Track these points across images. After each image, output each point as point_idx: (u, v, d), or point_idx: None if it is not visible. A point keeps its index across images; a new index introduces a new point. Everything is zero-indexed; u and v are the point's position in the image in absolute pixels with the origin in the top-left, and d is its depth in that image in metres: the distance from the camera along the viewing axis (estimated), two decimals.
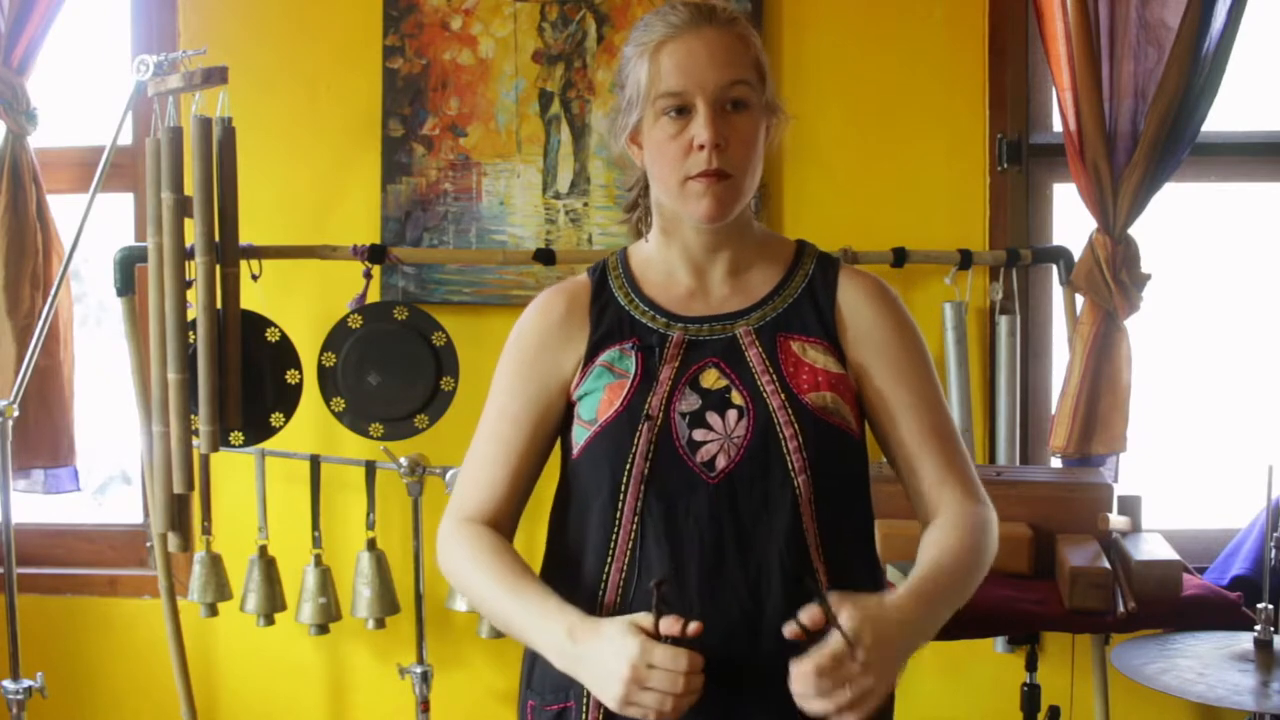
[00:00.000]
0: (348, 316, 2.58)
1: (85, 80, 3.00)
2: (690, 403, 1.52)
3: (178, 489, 2.44)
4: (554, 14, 2.78)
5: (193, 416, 2.43)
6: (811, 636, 1.37)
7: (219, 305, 2.45)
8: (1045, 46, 2.62)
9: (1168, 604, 2.12)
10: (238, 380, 2.47)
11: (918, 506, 1.59)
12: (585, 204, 2.78)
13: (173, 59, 2.40)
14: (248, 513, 2.76)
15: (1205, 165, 2.77)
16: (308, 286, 2.78)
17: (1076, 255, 2.67)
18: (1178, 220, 2.79)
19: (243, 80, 2.52)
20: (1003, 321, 2.72)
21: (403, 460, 2.60)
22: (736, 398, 1.52)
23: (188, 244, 2.42)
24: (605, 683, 1.39)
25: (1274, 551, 2.29)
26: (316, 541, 2.71)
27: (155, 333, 2.42)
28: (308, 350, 2.58)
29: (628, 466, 1.50)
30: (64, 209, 2.80)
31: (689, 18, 1.52)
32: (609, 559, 1.51)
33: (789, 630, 1.37)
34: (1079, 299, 2.68)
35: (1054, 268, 2.75)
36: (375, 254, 2.60)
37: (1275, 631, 2.01)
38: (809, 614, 1.36)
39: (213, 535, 2.76)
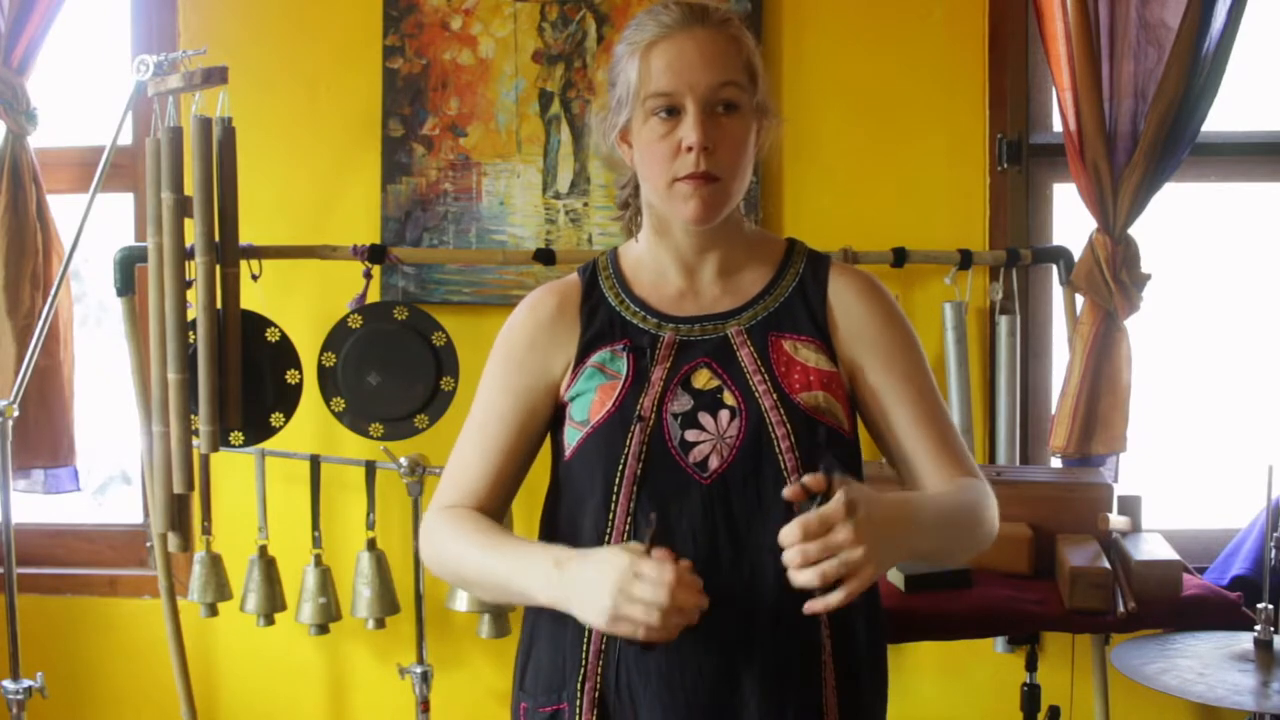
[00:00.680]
0: (348, 316, 2.58)
1: (85, 80, 3.00)
2: (682, 403, 1.52)
3: (178, 489, 2.44)
4: (554, 14, 2.78)
5: (193, 416, 2.43)
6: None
7: (219, 305, 2.45)
8: (1045, 46, 2.62)
9: (1168, 604, 2.12)
10: (238, 380, 2.47)
11: None
12: (585, 204, 2.78)
13: (173, 59, 2.40)
14: (248, 513, 2.76)
15: (1205, 165, 2.77)
16: (308, 286, 2.78)
17: (1076, 255, 2.67)
18: (1178, 220, 2.79)
19: (243, 80, 2.52)
20: (1003, 321, 2.72)
21: (403, 460, 2.60)
22: (728, 398, 1.52)
23: (188, 244, 2.42)
24: (593, 598, 1.36)
25: (1274, 551, 2.29)
26: (316, 541, 2.71)
27: (155, 333, 2.42)
28: (308, 350, 2.58)
29: (620, 468, 1.50)
30: (64, 209, 2.80)
31: (681, 17, 1.51)
32: None
33: (789, 491, 1.35)
34: (1079, 299, 2.68)
35: (1054, 268, 2.75)
36: (375, 254, 2.60)
37: (1275, 631, 2.01)
38: (812, 477, 1.34)
39: (213, 535, 2.77)
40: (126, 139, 2.76)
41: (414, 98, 2.79)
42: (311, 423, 2.72)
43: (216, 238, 2.43)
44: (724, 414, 1.51)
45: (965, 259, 2.68)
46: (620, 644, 1.48)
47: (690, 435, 1.50)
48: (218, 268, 2.44)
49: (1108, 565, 2.11)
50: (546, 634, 1.56)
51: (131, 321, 2.63)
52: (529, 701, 1.57)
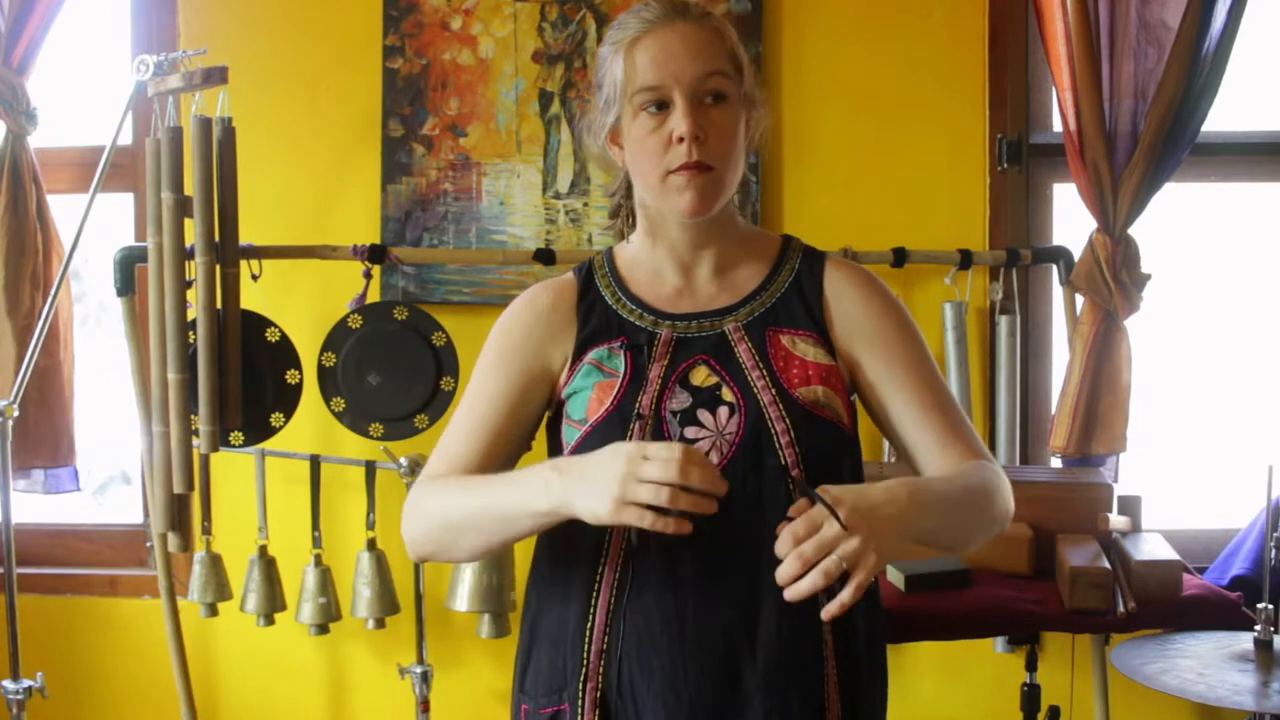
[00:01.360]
0: (348, 316, 2.58)
1: (85, 80, 3.00)
2: (681, 401, 1.52)
3: (178, 489, 2.44)
4: (554, 14, 2.78)
5: (193, 416, 2.43)
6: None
7: (219, 305, 2.45)
8: (1045, 46, 2.62)
9: (1168, 604, 2.12)
10: (238, 380, 2.47)
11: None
12: (585, 204, 2.78)
13: (173, 59, 2.39)
14: (248, 513, 2.76)
15: (1205, 165, 2.77)
16: (308, 286, 2.78)
17: (1076, 255, 2.67)
18: (1178, 220, 2.79)
19: (243, 80, 2.52)
20: (1003, 321, 2.72)
21: (403, 460, 2.60)
22: (727, 394, 1.52)
23: (188, 244, 2.42)
24: (601, 489, 1.33)
25: (1274, 551, 2.29)
26: (316, 541, 2.71)
27: (155, 333, 2.42)
28: (308, 350, 2.58)
29: None
30: (64, 209, 2.80)
31: (663, 13, 1.52)
32: (602, 560, 1.50)
33: (781, 529, 1.33)
34: (1079, 299, 2.68)
35: (1054, 268, 2.75)
36: (375, 254, 2.60)
37: (1275, 631, 2.01)
38: (794, 508, 1.33)
39: (213, 535, 2.77)
40: (126, 139, 2.76)
41: (414, 98, 2.79)
42: (311, 423, 2.72)
43: (216, 238, 2.43)
44: (723, 410, 1.51)
45: (965, 259, 2.68)
46: (623, 643, 1.48)
47: (689, 433, 1.50)
48: (218, 268, 2.44)
49: (1108, 565, 2.11)
50: (547, 634, 1.55)
51: (131, 321, 2.63)
52: (530, 703, 1.56)
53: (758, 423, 1.50)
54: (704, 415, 1.51)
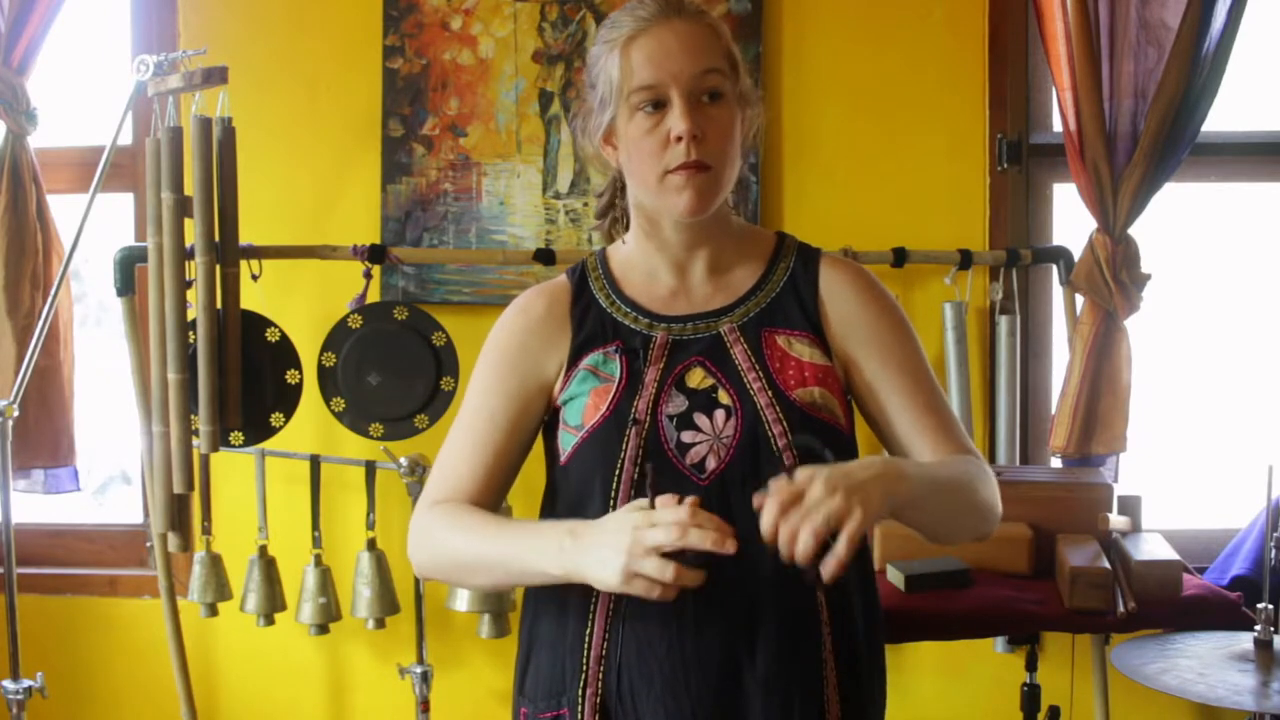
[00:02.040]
0: (348, 316, 2.58)
1: (85, 80, 3.00)
2: (677, 404, 1.51)
3: (178, 489, 2.44)
4: (554, 14, 2.78)
5: (193, 416, 2.43)
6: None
7: (219, 305, 2.45)
8: (1045, 46, 2.62)
9: (1168, 604, 2.12)
10: (238, 380, 2.47)
11: None
12: (585, 204, 2.78)
13: (173, 59, 2.39)
14: (248, 513, 2.76)
15: (1205, 165, 2.77)
16: (308, 286, 2.78)
17: (1076, 255, 2.67)
18: (1178, 220, 2.79)
19: (243, 80, 2.52)
20: (1003, 321, 2.72)
21: (403, 460, 2.60)
22: (723, 397, 1.51)
23: (188, 244, 2.42)
24: (608, 557, 1.34)
25: (1274, 551, 2.28)
26: (316, 541, 2.71)
27: (155, 333, 2.41)
28: (308, 350, 2.58)
29: (617, 472, 1.49)
30: (64, 209, 2.80)
31: (657, 11, 1.50)
32: None
33: (757, 498, 1.33)
34: (1079, 299, 2.68)
35: (1054, 268, 2.75)
36: (375, 254, 2.60)
37: (1275, 631, 2.01)
38: (774, 483, 1.33)
39: (213, 535, 2.76)
40: (126, 139, 2.76)
41: (414, 98, 2.79)
42: (311, 423, 2.72)
43: (216, 238, 2.43)
44: (719, 413, 1.51)
45: (965, 259, 2.68)
46: (622, 649, 1.47)
47: (686, 436, 1.50)
48: (218, 268, 2.44)
49: (1108, 565, 2.11)
50: (545, 639, 1.55)
51: (131, 321, 2.63)
52: (529, 707, 1.56)
53: (754, 425, 1.49)
54: (700, 419, 1.51)
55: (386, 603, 2.71)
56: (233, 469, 2.81)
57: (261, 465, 2.70)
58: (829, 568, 1.30)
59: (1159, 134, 2.56)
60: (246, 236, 2.49)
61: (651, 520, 1.33)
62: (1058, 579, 2.18)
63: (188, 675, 2.70)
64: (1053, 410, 2.72)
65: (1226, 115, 2.67)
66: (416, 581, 2.66)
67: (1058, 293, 2.78)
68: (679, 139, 1.47)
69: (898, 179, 2.78)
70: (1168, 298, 2.77)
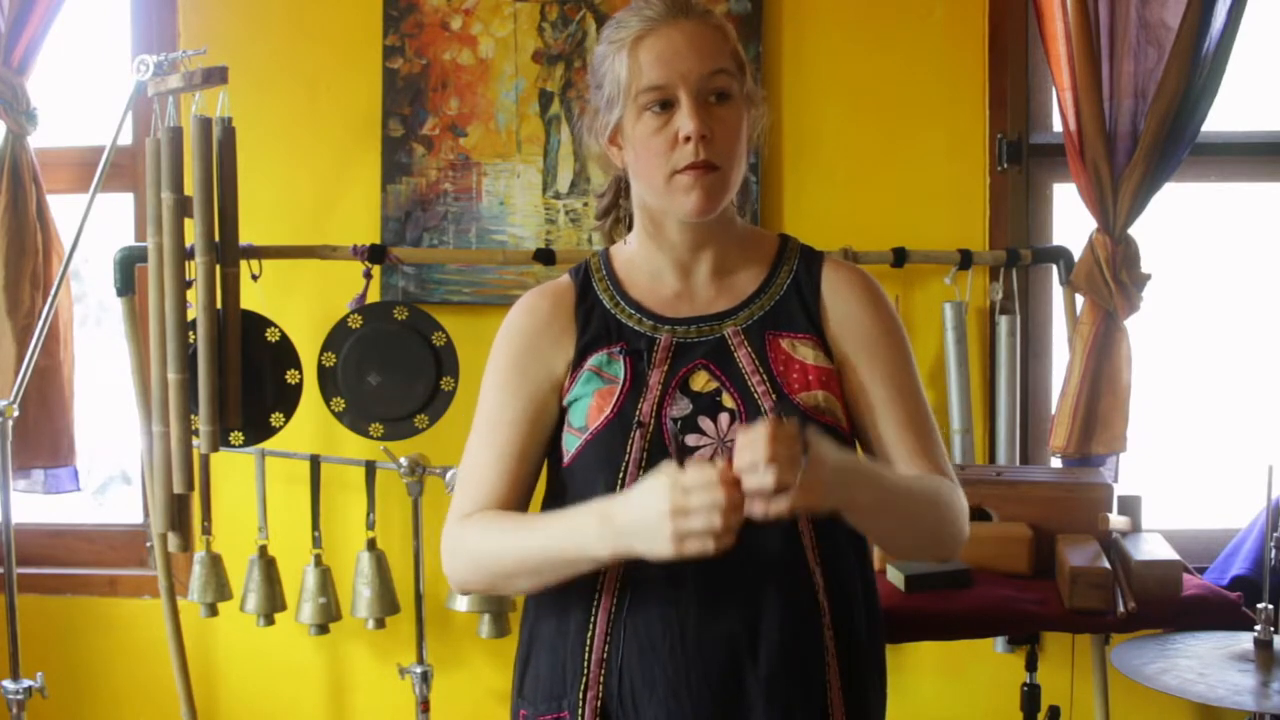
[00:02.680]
0: (348, 316, 2.58)
1: (85, 80, 3.00)
2: (681, 407, 1.51)
3: (178, 489, 2.44)
4: (554, 14, 2.78)
5: (193, 416, 2.43)
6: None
7: (219, 305, 2.45)
8: (1045, 46, 2.62)
9: (1168, 604, 2.12)
10: (238, 380, 2.47)
11: None
12: (585, 204, 2.78)
13: (173, 59, 2.39)
14: (248, 513, 2.76)
15: (1205, 165, 2.77)
16: (308, 286, 2.78)
17: (1076, 255, 2.67)
18: (1178, 220, 2.79)
19: (243, 80, 2.52)
20: (1003, 321, 2.72)
21: (403, 460, 2.60)
22: (728, 400, 1.51)
23: (188, 244, 2.42)
24: (656, 531, 1.34)
25: (1274, 551, 2.28)
26: (316, 541, 2.71)
27: (155, 333, 2.41)
28: (308, 350, 2.58)
29: (621, 474, 1.49)
30: (64, 209, 2.80)
31: (665, 10, 1.50)
32: (602, 568, 1.48)
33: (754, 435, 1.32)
34: (1079, 299, 2.68)
35: (1054, 268, 2.75)
36: (375, 254, 2.60)
37: (1275, 631, 2.01)
38: (770, 419, 1.33)
39: (213, 535, 2.77)
40: (126, 139, 2.76)
41: (414, 98, 2.79)
42: (311, 423, 2.72)
43: (216, 238, 2.43)
44: (723, 416, 1.51)
45: (965, 259, 2.68)
46: (623, 651, 1.47)
47: (691, 439, 1.50)
48: (218, 268, 2.44)
49: (1108, 565, 2.11)
50: (546, 641, 1.55)
51: (131, 321, 2.63)
52: (529, 709, 1.56)
53: None
54: (704, 422, 1.51)
55: (386, 603, 2.71)
56: (233, 469, 2.81)
57: (261, 465, 2.70)
58: (754, 509, 1.31)
59: (1159, 134, 2.56)
60: (246, 236, 2.49)
61: (683, 484, 1.32)
62: (1058, 579, 2.18)
63: (188, 675, 2.70)
64: (1053, 410, 2.72)
65: (1226, 115, 2.67)
66: (417, 581, 2.66)
67: (1058, 293, 2.78)
68: (687, 139, 1.47)
69: (898, 179, 2.78)
70: (1168, 298, 2.77)
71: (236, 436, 2.50)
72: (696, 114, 1.47)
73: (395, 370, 2.58)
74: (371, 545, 2.71)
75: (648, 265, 1.61)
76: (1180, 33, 2.53)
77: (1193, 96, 2.55)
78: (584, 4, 2.77)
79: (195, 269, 2.42)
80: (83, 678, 2.94)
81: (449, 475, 2.57)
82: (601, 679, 1.49)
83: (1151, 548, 2.22)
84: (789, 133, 2.78)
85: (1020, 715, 2.44)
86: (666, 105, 1.49)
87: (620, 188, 1.66)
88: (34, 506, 2.88)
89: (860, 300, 1.59)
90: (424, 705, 2.67)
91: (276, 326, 2.56)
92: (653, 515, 1.34)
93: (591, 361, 1.55)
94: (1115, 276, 2.60)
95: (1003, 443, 2.74)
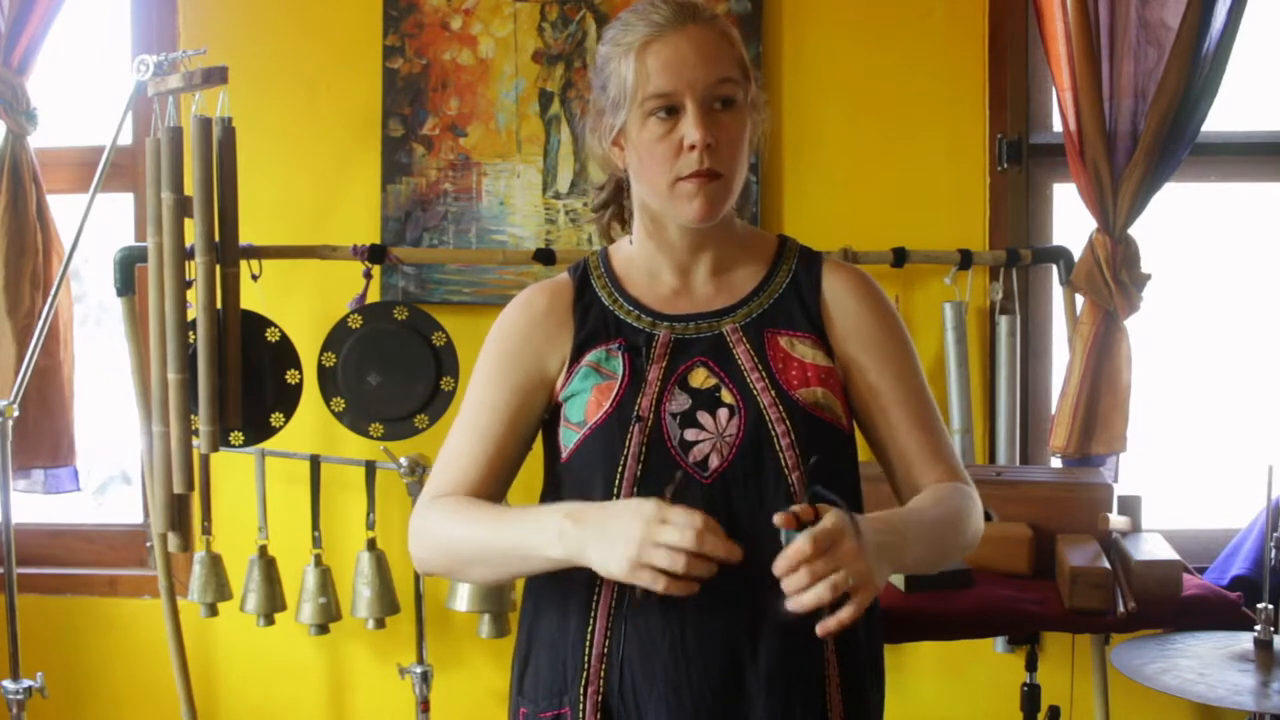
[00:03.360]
0: (348, 316, 2.58)
1: (85, 80, 3.00)
2: (680, 403, 1.51)
3: (178, 489, 2.44)
4: (554, 14, 2.78)
5: (193, 416, 2.43)
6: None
7: (219, 305, 2.45)
8: (1045, 46, 2.62)
9: (1168, 604, 2.12)
10: (238, 380, 2.47)
11: (900, 495, 1.59)
12: (585, 204, 2.78)
13: (173, 59, 2.40)
14: (248, 513, 2.76)
15: (1205, 165, 2.77)
16: (308, 286, 2.78)
17: (1076, 255, 2.67)
18: (1178, 220, 2.79)
19: (243, 80, 2.52)
20: (1003, 321, 2.72)
21: (403, 460, 2.60)
22: (727, 396, 1.52)
23: (188, 244, 2.42)
24: (615, 547, 1.34)
25: (1274, 551, 2.28)
26: (316, 541, 2.71)
27: (155, 333, 2.42)
28: (308, 350, 2.58)
29: (620, 469, 1.49)
30: (64, 209, 2.80)
31: (672, 16, 1.50)
32: None
33: (779, 518, 1.34)
34: (1079, 299, 2.68)
35: (1054, 268, 2.75)
36: (375, 254, 2.60)
37: (1275, 631, 2.01)
38: (802, 506, 1.35)
39: (213, 535, 2.77)
40: (126, 139, 2.76)
41: (414, 98, 2.79)
42: (311, 423, 2.72)
43: (216, 238, 2.43)
44: (723, 412, 1.51)
45: (965, 259, 2.68)
46: (624, 647, 1.48)
47: (689, 434, 1.50)
48: (218, 268, 2.44)
49: (1108, 565, 2.11)
50: (546, 638, 1.55)
51: (131, 321, 2.63)
52: (529, 706, 1.56)
53: (758, 424, 1.49)
54: (704, 417, 1.51)
55: (386, 603, 2.71)
56: (233, 469, 2.81)
57: (261, 465, 2.70)
58: (828, 627, 1.32)
59: (1159, 134, 2.56)
60: (246, 236, 2.49)
61: (665, 517, 1.33)
62: (1058, 579, 2.18)
63: (188, 675, 2.70)
64: (1053, 410, 2.72)
65: (1226, 115, 2.67)
66: (416, 581, 2.66)
67: (1058, 293, 2.78)
68: (692, 147, 1.48)
69: (898, 179, 2.78)
70: (1168, 298, 2.77)
71: (236, 436, 2.50)
72: (702, 123, 1.47)
73: (395, 370, 2.58)
74: (371, 545, 2.71)
75: (646, 264, 1.61)
76: (1180, 33, 2.53)
77: (1193, 96, 2.55)
78: (584, 4, 2.77)
79: (195, 269, 2.42)
80: (83, 678, 2.94)
81: None
82: (602, 675, 1.49)
83: (1151, 548, 2.22)
84: (789, 133, 2.78)
85: (1020, 715, 2.44)
86: (672, 111, 1.49)
87: (619, 185, 1.66)
88: (34, 506, 2.88)
89: (863, 302, 1.59)
90: (424, 705, 2.67)
91: (276, 326, 2.56)
92: (621, 531, 1.34)
93: (589, 357, 1.56)
94: (1115, 276, 2.60)
95: (1003, 443, 2.74)
